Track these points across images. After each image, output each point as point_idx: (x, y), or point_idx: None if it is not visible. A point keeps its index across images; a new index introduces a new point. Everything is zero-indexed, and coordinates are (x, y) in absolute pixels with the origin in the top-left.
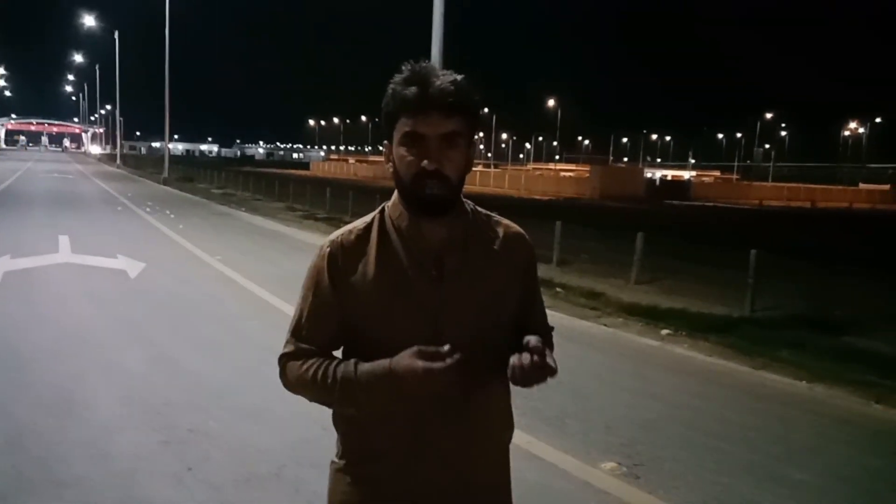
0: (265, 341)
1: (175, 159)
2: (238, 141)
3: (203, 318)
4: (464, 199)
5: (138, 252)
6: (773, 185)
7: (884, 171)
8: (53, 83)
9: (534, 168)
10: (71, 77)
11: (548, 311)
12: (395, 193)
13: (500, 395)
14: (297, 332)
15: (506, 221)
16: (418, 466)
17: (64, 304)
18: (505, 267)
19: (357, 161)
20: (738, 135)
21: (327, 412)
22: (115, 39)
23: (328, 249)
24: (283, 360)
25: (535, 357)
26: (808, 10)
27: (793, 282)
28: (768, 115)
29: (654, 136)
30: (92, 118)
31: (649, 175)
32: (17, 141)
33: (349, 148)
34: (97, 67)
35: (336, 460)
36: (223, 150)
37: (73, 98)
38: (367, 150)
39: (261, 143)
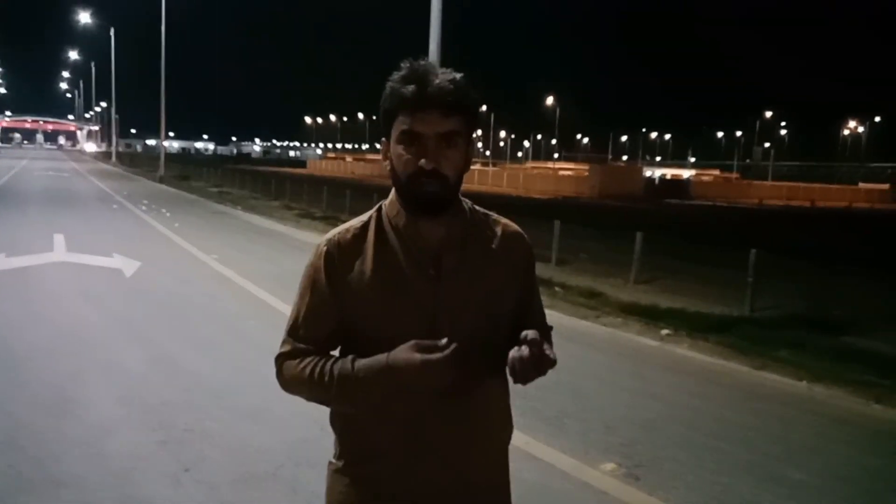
0: (263, 340)
1: (171, 157)
2: (234, 139)
3: (200, 317)
4: (462, 198)
5: (134, 251)
6: (773, 184)
7: (883, 170)
8: (49, 80)
9: (532, 167)
10: (66, 74)
11: (547, 311)
12: (393, 192)
13: (500, 395)
14: (293, 331)
15: (504, 220)
16: (417, 466)
17: (59, 303)
18: (503, 266)
19: (354, 159)
20: (738, 133)
21: (325, 412)
22: (110, 37)
23: (325, 248)
24: (280, 359)
25: (534, 349)
26: (808, 10)
27: (792, 282)
28: (768, 114)
29: (654, 135)
30: (87, 115)
31: (648, 174)
32: (13, 138)
33: (346, 146)
34: (93, 65)
35: (334, 461)
36: (219, 147)
37: (69, 95)
38: (364, 148)
39: (257, 140)
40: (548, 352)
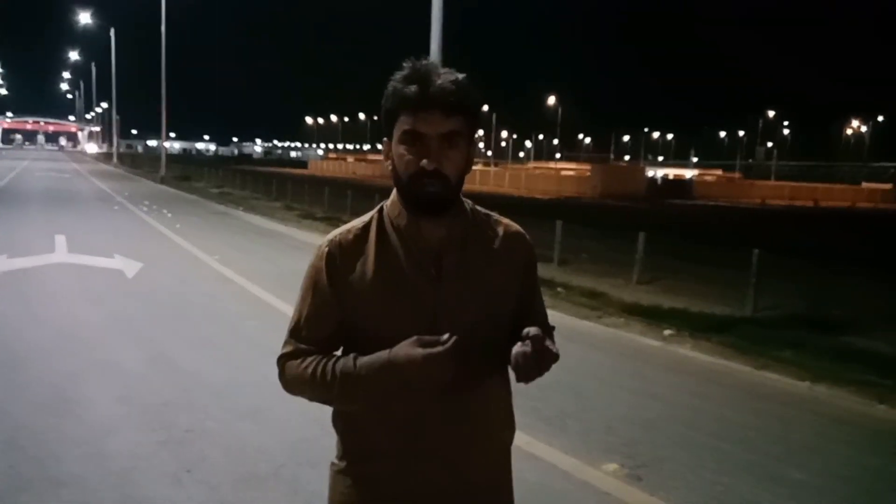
0: (264, 341)
1: (172, 158)
2: (235, 139)
3: (201, 318)
4: (463, 199)
5: (135, 251)
6: (775, 183)
7: (885, 169)
8: (50, 81)
9: (534, 167)
10: (67, 75)
11: (549, 311)
12: (394, 192)
13: (501, 395)
14: (296, 332)
15: (505, 220)
16: (418, 467)
17: (61, 303)
18: (504, 266)
19: (355, 160)
20: (741, 133)
21: (326, 412)
22: (111, 37)
23: (326, 249)
24: (282, 360)
25: (537, 344)
26: (808, 10)
27: (794, 282)
28: (770, 114)
29: (656, 135)
30: (88, 116)
31: (651, 174)
32: (14, 139)
33: (348, 146)
34: (93, 65)
35: (336, 461)
36: (220, 148)
37: (70, 96)
38: (365, 148)
39: (258, 141)
40: (550, 346)
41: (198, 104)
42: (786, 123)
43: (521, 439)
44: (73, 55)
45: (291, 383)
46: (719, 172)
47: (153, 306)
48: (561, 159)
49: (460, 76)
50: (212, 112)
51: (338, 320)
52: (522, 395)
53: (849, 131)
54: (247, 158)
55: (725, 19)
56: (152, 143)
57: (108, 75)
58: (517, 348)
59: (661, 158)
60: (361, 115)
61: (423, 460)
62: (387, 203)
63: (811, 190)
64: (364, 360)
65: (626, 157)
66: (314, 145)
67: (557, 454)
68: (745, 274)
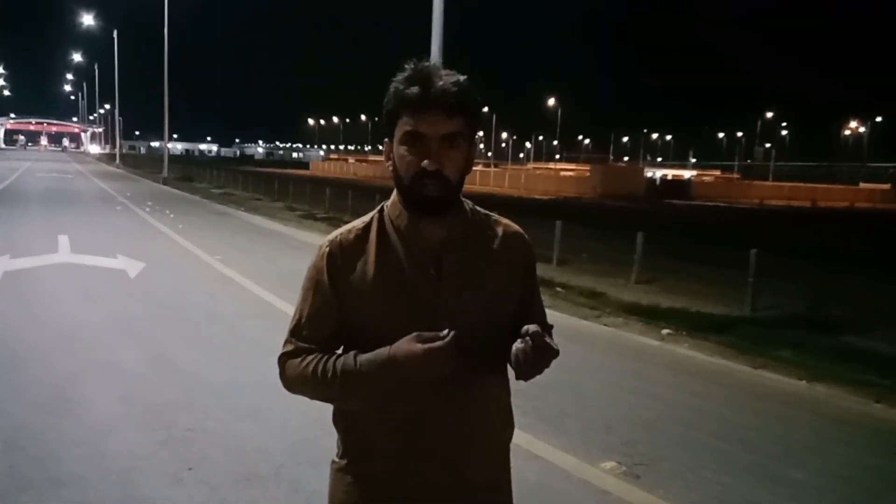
0: (265, 341)
1: (174, 159)
2: (237, 140)
3: (203, 318)
4: (463, 199)
5: (138, 251)
6: (774, 184)
7: (884, 170)
8: (52, 82)
9: (534, 167)
10: (70, 76)
11: (548, 311)
12: (395, 193)
13: (500, 395)
14: (296, 331)
15: (505, 221)
16: (418, 466)
17: (63, 303)
18: (504, 266)
19: (357, 160)
20: (739, 134)
21: (326, 411)
22: (114, 38)
23: (327, 249)
24: (283, 359)
25: (537, 340)
26: (808, 10)
27: (793, 281)
28: (769, 115)
29: (655, 136)
30: (91, 118)
31: (650, 174)
32: (17, 140)
33: (349, 147)
34: (96, 67)
35: (336, 460)
36: (222, 149)
37: (73, 97)
38: (366, 149)
39: (260, 142)
40: (550, 342)
41: (200, 105)
42: (784, 124)
43: (521, 438)
44: (77, 57)
45: (292, 382)
46: (717, 173)
47: (154, 306)
48: (560, 160)
49: (461, 78)
50: (214, 113)
51: (338, 320)
52: (522, 394)
53: (847, 132)
54: (248, 159)
55: (725, 19)
56: (155, 143)
57: (110, 76)
58: (517, 345)
59: (659, 159)
60: (363, 117)
61: (423, 460)
62: (387, 203)
63: (810, 190)
64: (365, 357)
65: (626, 158)
66: (315, 146)
67: (557, 453)
68: (744, 274)
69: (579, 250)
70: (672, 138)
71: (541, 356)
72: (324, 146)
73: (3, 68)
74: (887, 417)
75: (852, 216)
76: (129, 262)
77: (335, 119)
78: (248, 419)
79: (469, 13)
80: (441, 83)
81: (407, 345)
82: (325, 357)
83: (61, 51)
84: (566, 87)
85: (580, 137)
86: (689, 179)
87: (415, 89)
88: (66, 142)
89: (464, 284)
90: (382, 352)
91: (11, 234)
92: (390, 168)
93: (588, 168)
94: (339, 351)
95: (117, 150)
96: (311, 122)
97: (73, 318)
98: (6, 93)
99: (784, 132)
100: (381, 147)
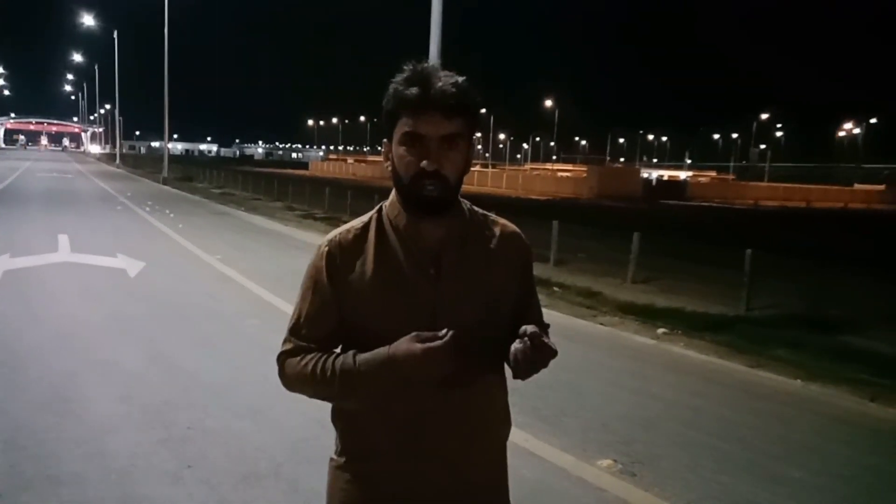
0: (264, 340)
1: (174, 159)
2: (237, 140)
3: (202, 317)
4: (461, 199)
5: (138, 251)
6: (769, 184)
7: (879, 171)
8: (53, 82)
9: (531, 168)
10: (70, 76)
11: (545, 311)
12: (393, 192)
13: (499, 394)
14: (295, 330)
15: (502, 221)
16: (418, 466)
17: (63, 302)
18: (502, 266)
19: (356, 161)
20: (735, 135)
21: (326, 410)
22: (114, 39)
23: (326, 248)
24: (282, 357)
25: (535, 340)
26: (807, 11)
27: (789, 281)
28: (764, 116)
29: (651, 137)
30: (91, 118)
31: (646, 175)
32: (17, 140)
33: (348, 148)
34: (96, 67)
35: (335, 457)
36: (222, 149)
37: (73, 97)
38: (365, 149)
39: (260, 142)
40: (548, 342)
41: (200, 106)
42: (779, 125)
43: (519, 437)
44: (77, 57)
45: (291, 381)
46: (713, 174)
47: (154, 305)
48: (557, 161)
49: (460, 79)
50: (214, 113)
51: (337, 319)
52: (520, 393)
53: (842, 133)
54: (248, 159)
55: (725, 19)
56: (155, 143)
57: (111, 76)
58: (516, 345)
59: (655, 160)
60: (362, 117)
61: (422, 460)
62: (386, 203)
63: (805, 191)
64: (364, 356)
65: (622, 159)
66: (315, 146)
67: (555, 452)
68: (740, 273)
69: (577, 250)
70: (668, 139)
71: (540, 356)
72: (323, 147)
73: (3, 68)
74: (886, 417)
75: (847, 216)
76: (129, 262)
77: (334, 119)
78: (248, 418)
79: (468, 13)
80: (440, 84)
81: (406, 344)
82: (325, 356)
83: (61, 51)
84: (565, 87)
85: (577, 138)
86: (685, 180)
87: (414, 90)
88: (66, 142)
89: (463, 284)
90: (381, 351)
91: (11, 233)
92: (389, 168)
93: (585, 169)
94: (338, 350)
95: (117, 149)
96: (310, 122)
97: (73, 318)
98: (6, 93)
99: (779, 133)
100: (379, 148)
